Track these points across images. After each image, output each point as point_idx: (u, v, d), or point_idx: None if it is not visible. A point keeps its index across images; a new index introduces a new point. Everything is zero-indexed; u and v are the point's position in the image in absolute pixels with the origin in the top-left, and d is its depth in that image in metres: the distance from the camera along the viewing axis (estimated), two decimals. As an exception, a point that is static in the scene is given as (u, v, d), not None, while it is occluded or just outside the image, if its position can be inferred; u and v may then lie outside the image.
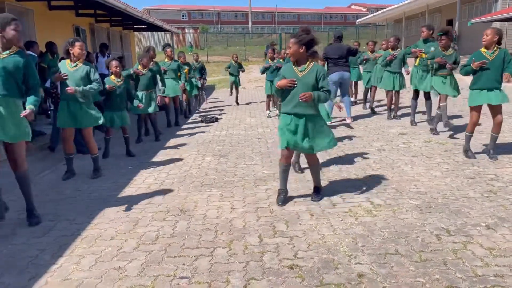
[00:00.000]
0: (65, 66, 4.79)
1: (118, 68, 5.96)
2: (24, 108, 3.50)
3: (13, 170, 3.62)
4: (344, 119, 7.97)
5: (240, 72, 12.04)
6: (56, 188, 4.70)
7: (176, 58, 9.33)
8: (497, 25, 17.51)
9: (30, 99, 3.57)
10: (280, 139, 3.88)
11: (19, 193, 3.76)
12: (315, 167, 4.09)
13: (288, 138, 3.80)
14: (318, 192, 4.11)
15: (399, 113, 8.70)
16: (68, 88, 4.64)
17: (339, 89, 7.77)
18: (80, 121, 4.88)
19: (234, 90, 12.23)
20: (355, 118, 8.63)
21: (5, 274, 2.83)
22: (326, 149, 4.00)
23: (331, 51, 7.70)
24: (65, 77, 4.62)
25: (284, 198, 3.99)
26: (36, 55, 7.16)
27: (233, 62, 11.98)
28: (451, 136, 6.53)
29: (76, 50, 4.74)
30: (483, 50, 5.07)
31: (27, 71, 3.51)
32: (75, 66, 4.79)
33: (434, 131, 6.77)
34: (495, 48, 4.99)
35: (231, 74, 11.98)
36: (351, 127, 7.71)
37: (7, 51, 3.42)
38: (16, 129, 3.46)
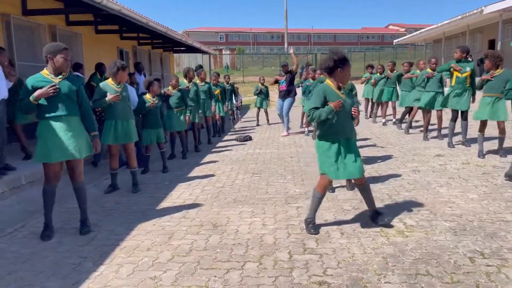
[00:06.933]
0: (111, 87, 5.10)
1: (159, 90, 6.38)
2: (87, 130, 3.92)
3: (71, 181, 3.92)
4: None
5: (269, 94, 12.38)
6: (98, 201, 4.96)
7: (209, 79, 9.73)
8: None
9: (90, 126, 3.95)
10: (330, 171, 3.66)
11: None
12: (363, 187, 3.82)
13: (337, 171, 3.63)
14: (377, 214, 3.85)
15: (434, 133, 8.56)
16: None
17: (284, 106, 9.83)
18: (129, 136, 5.23)
19: (263, 113, 12.41)
20: (391, 139, 8.57)
21: (50, 278, 3.03)
22: (357, 177, 3.72)
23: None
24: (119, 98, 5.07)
25: (314, 226, 3.77)
26: (83, 76, 7.68)
27: (259, 85, 12.03)
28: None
29: (124, 75, 5.16)
30: None
31: (79, 93, 3.84)
32: (120, 87, 5.14)
33: (480, 154, 6.56)
34: None
35: (258, 95, 12.06)
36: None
37: (60, 75, 3.73)
38: (80, 145, 3.77)
